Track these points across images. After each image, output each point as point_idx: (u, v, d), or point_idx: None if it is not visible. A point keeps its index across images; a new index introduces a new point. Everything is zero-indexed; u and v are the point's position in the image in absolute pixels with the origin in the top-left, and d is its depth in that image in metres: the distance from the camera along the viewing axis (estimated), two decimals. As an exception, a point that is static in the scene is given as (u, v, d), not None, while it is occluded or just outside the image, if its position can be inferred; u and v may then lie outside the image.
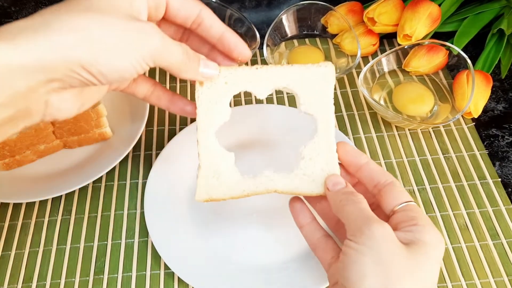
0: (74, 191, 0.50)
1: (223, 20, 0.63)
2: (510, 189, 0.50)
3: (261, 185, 0.38)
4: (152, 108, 0.56)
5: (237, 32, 0.62)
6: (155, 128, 0.56)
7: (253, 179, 0.38)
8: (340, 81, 0.60)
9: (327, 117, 0.37)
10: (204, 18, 0.36)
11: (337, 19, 0.61)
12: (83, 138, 0.52)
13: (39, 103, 0.29)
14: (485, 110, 0.56)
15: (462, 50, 0.54)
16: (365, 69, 0.55)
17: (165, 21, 0.36)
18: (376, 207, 0.36)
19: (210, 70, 0.36)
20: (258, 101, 0.58)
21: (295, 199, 0.40)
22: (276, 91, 0.59)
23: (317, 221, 0.40)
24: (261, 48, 0.59)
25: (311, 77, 0.38)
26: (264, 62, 0.62)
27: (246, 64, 0.51)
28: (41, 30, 0.27)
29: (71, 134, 0.52)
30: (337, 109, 0.57)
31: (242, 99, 0.58)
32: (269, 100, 0.58)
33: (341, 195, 0.35)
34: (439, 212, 0.48)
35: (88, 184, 0.51)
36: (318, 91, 0.37)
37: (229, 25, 0.63)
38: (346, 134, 0.55)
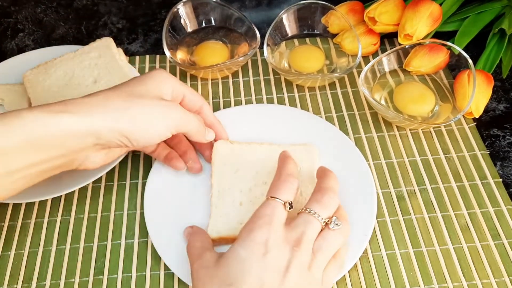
0: (73, 191, 0.50)
1: (223, 19, 0.63)
2: (511, 189, 0.50)
3: None
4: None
5: (237, 32, 0.62)
6: (155, 128, 0.56)
7: None
8: (340, 81, 0.60)
9: None
10: (203, 109, 0.48)
11: (337, 19, 0.61)
12: None
13: (82, 157, 0.40)
14: (486, 110, 0.56)
15: (463, 49, 0.54)
16: (365, 68, 0.55)
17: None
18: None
19: (211, 137, 0.48)
20: (258, 101, 0.58)
21: None
22: (276, 90, 0.59)
23: None
24: (261, 47, 0.59)
25: None
26: (264, 61, 0.62)
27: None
28: (95, 107, 0.38)
29: None
30: (338, 109, 0.57)
31: (242, 99, 0.58)
32: (269, 100, 0.58)
33: None
34: (440, 213, 0.48)
35: (88, 184, 0.51)
36: None
37: (229, 24, 0.63)
38: (347, 134, 0.54)
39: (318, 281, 0.37)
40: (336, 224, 0.39)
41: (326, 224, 0.39)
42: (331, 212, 0.40)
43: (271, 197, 0.39)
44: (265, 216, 0.38)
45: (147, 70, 0.62)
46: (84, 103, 0.38)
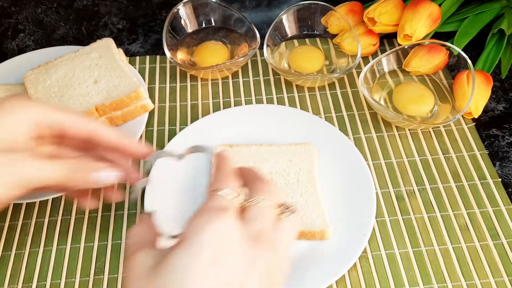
0: (74, 191, 0.50)
1: (223, 20, 0.63)
2: (510, 189, 0.50)
3: None
4: (152, 108, 0.56)
5: (237, 32, 0.62)
6: (155, 128, 0.56)
7: None
8: (340, 81, 0.60)
9: None
10: (98, 132, 0.38)
11: (337, 19, 0.61)
12: (126, 112, 0.54)
13: None
14: (485, 110, 0.56)
15: (462, 50, 0.54)
16: (365, 69, 0.55)
17: (66, 137, 0.38)
18: None
19: (104, 177, 0.37)
20: (258, 101, 0.58)
21: None
22: (275, 91, 0.59)
23: None
24: (261, 48, 0.59)
25: None
26: (264, 62, 0.62)
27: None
28: None
29: (113, 109, 0.53)
30: (337, 109, 0.57)
31: (242, 100, 0.58)
32: (269, 100, 0.58)
33: None
34: (439, 212, 0.48)
35: (88, 184, 0.51)
36: None
37: (229, 25, 0.63)
38: (346, 134, 0.55)
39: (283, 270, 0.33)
40: (289, 212, 0.34)
41: (279, 214, 0.34)
42: (280, 200, 0.35)
43: (215, 190, 0.33)
44: (213, 210, 0.31)
45: (147, 70, 0.62)
46: None
